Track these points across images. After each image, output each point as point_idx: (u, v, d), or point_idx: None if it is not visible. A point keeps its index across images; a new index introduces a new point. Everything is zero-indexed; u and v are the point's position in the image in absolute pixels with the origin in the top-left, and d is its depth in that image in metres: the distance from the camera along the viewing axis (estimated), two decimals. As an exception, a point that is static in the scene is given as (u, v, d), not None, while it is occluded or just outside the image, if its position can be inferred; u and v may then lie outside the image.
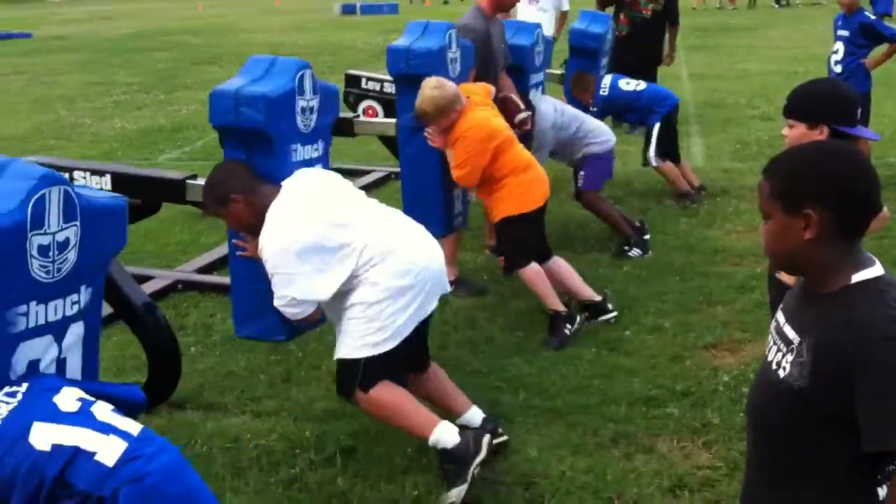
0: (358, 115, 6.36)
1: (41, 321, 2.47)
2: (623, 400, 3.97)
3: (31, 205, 2.36)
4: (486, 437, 3.33)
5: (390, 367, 3.33)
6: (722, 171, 7.84)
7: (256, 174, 3.57)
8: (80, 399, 2.26)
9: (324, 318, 3.54)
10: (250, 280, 3.63)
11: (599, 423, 3.80)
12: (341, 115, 5.70)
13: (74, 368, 2.62)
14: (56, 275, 2.47)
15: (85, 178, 4.03)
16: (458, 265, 5.39)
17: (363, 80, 6.92)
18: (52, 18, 28.40)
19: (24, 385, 2.30)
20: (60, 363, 2.56)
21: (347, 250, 3.27)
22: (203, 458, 3.55)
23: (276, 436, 3.70)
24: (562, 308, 4.64)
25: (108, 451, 2.12)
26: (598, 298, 4.80)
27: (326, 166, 4.00)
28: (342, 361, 3.37)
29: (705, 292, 5.17)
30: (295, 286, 3.27)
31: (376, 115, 6.98)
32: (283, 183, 3.50)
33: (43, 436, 2.11)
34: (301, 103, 3.75)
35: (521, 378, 4.21)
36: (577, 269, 5.23)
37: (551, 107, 5.90)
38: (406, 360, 3.45)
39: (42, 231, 2.40)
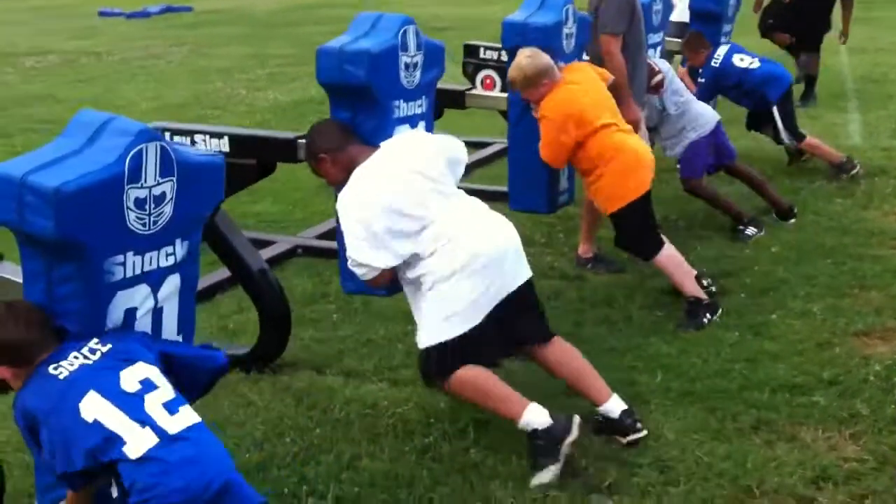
0: (471, 88, 6.28)
1: (137, 271, 2.58)
2: (766, 386, 3.84)
3: (128, 159, 2.46)
4: (577, 420, 3.28)
5: (467, 352, 3.32)
6: (881, 149, 7.43)
7: (357, 131, 3.64)
8: (143, 381, 2.37)
9: (397, 286, 3.56)
10: None
11: (740, 408, 3.69)
12: (454, 87, 5.82)
13: (170, 319, 2.73)
14: (152, 227, 2.57)
15: (205, 140, 4.13)
16: (598, 242, 5.32)
17: (481, 50, 6.84)
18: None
19: (108, 346, 2.43)
20: (157, 313, 2.68)
21: (410, 233, 3.30)
22: (341, 422, 3.65)
23: (411, 405, 3.76)
24: (702, 295, 4.49)
25: (138, 444, 2.25)
26: (704, 298, 4.52)
27: (430, 122, 4.04)
28: (423, 349, 3.41)
29: (858, 276, 4.94)
30: (356, 250, 3.32)
31: (494, 86, 6.82)
32: (381, 144, 3.53)
33: (92, 408, 2.27)
34: (405, 59, 3.79)
35: (660, 358, 4.13)
36: (721, 251, 5.11)
37: (663, 67, 5.68)
38: (502, 345, 3.46)
39: (139, 185, 2.50)
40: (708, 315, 4.45)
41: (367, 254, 3.30)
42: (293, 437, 3.56)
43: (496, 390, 3.33)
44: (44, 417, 2.32)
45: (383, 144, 3.54)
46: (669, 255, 4.51)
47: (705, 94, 6.40)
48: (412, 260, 3.33)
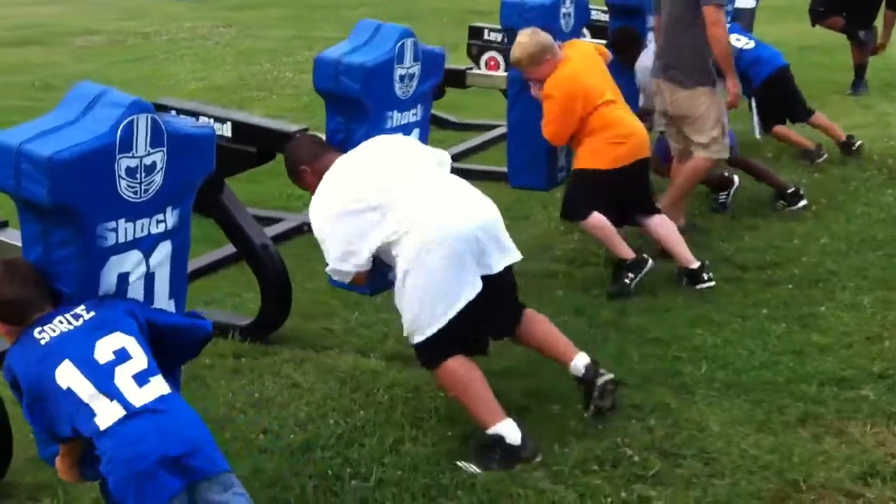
0: (471, 67, 6.32)
1: (129, 238, 2.70)
2: (814, 379, 3.79)
3: (119, 129, 2.57)
4: (539, 453, 3.26)
5: (451, 341, 3.30)
6: (934, 140, 7.29)
7: (351, 137, 3.77)
8: (118, 352, 2.46)
9: (382, 284, 3.65)
10: None
11: (787, 401, 3.64)
12: (454, 66, 5.90)
13: (162, 285, 2.84)
14: (143, 195, 2.68)
15: (210, 123, 4.19)
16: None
17: (485, 32, 6.85)
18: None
19: (91, 314, 2.54)
20: (149, 279, 2.79)
21: (377, 223, 3.27)
22: (384, 405, 3.66)
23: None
24: (629, 254, 4.59)
25: (106, 415, 2.38)
26: (695, 266, 4.69)
27: (425, 129, 4.15)
28: (413, 342, 3.40)
29: (911, 269, 4.85)
30: (329, 253, 3.36)
31: (498, 67, 6.86)
32: (349, 153, 3.56)
33: (66, 376, 2.41)
34: (400, 71, 3.91)
35: (705, 349, 4.09)
36: (768, 241, 5.04)
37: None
38: (488, 324, 3.45)
39: (130, 154, 2.61)
40: (630, 275, 4.58)
41: (338, 260, 3.35)
42: (337, 419, 3.58)
43: (478, 390, 3.32)
44: (23, 379, 2.46)
45: (351, 152, 3.57)
46: (597, 221, 4.61)
47: None
48: (385, 248, 3.30)
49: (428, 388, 3.76)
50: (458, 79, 5.78)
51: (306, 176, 3.63)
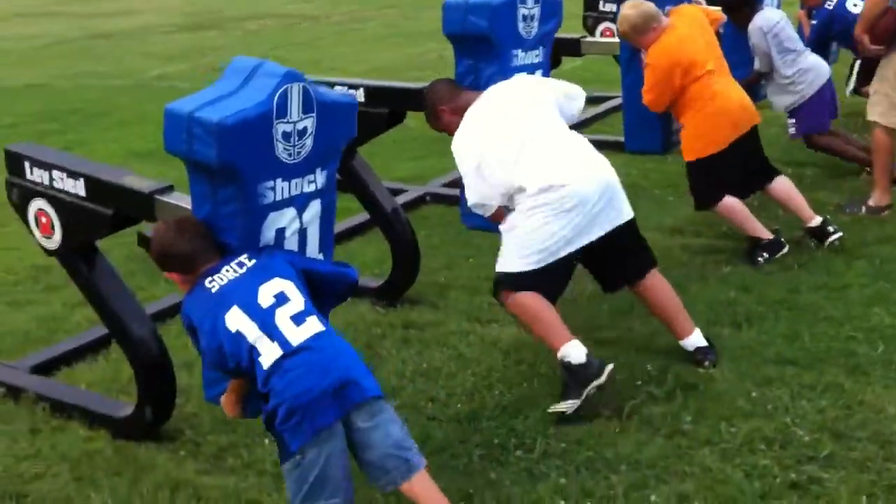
0: (585, 36, 6.35)
1: (285, 196, 2.93)
2: None
3: (276, 97, 2.79)
4: (610, 367, 3.44)
5: (537, 283, 3.53)
6: None
7: (478, 78, 4.01)
8: (278, 295, 2.69)
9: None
10: None
11: (972, 385, 3.47)
12: (570, 35, 6.00)
13: (313, 239, 3.09)
14: (296, 157, 2.91)
15: (344, 90, 4.34)
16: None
17: (601, 3, 7.01)
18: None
19: (253, 262, 2.78)
20: (302, 233, 3.03)
21: (513, 170, 3.49)
22: (547, 378, 3.72)
23: (617, 366, 3.76)
24: (766, 235, 4.65)
25: (268, 355, 2.62)
26: (817, 222, 4.76)
27: (546, 71, 4.38)
28: (497, 273, 3.63)
29: None
30: (470, 190, 3.62)
31: (614, 37, 6.71)
32: (487, 90, 3.75)
33: (235, 321, 2.66)
34: (523, 11, 4.23)
35: (882, 330, 3.93)
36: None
37: (776, 15, 5.60)
38: (608, 272, 3.77)
39: (285, 120, 2.83)
40: (764, 254, 4.63)
41: (479, 193, 3.59)
42: (502, 390, 3.67)
43: (547, 318, 3.54)
44: (199, 325, 2.73)
45: (492, 87, 3.77)
46: (728, 204, 4.66)
47: (815, 39, 6.19)
48: (516, 191, 3.52)
49: (591, 363, 3.79)
50: (573, 47, 5.93)
51: (445, 115, 3.84)
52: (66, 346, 4.25)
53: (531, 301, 3.54)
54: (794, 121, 5.64)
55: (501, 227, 3.63)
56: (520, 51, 4.21)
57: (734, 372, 3.64)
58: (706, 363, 3.70)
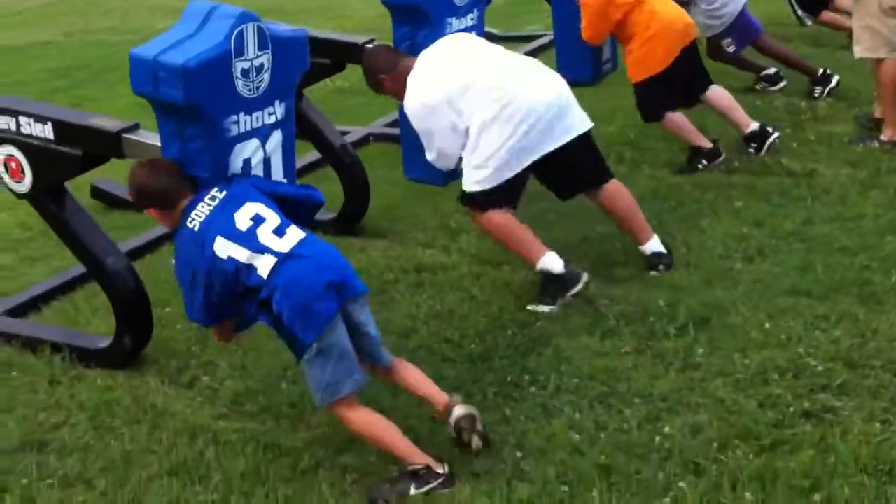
0: None
1: (248, 128, 3.15)
2: None
3: (233, 37, 3.00)
4: (585, 276, 3.74)
5: (502, 198, 3.75)
6: None
7: (416, 44, 4.09)
8: (253, 217, 2.91)
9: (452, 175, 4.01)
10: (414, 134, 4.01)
11: None
12: None
13: (277, 166, 3.31)
14: (256, 92, 3.13)
15: None
16: None
17: None
18: None
19: (223, 193, 2.98)
20: (266, 162, 3.26)
21: (469, 103, 3.67)
22: (560, 317, 3.73)
23: (629, 302, 3.77)
24: (706, 144, 5.01)
25: (264, 266, 2.84)
26: (755, 127, 5.09)
27: (480, 31, 4.48)
28: (463, 190, 3.85)
29: None
30: (430, 145, 3.81)
31: None
32: (421, 54, 3.92)
33: (223, 249, 2.86)
34: None
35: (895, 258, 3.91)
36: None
37: None
38: (564, 183, 3.98)
39: (243, 58, 3.05)
40: (703, 162, 4.99)
41: (439, 148, 3.80)
42: (514, 330, 3.68)
43: (521, 234, 3.79)
44: (192, 262, 2.94)
45: (424, 51, 3.93)
46: (672, 117, 5.00)
47: None
48: (470, 126, 3.70)
49: (605, 302, 3.80)
50: None
51: (385, 82, 3.99)
52: (36, 291, 4.39)
53: (503, 220, 3.77)
54: (729, 40, 5.92)
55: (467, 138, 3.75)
56: (453, 18, 4.33)
57: (747, 305, 3.64)
58: (660, 267, 3.99)
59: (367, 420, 2.91)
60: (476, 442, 2.90)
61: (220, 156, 3.09)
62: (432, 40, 4.08)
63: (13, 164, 3.63)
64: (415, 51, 4.08)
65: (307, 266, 2.86)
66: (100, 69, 9.32)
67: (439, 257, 4.41)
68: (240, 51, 3.03)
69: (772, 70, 6.20)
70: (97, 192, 5.38)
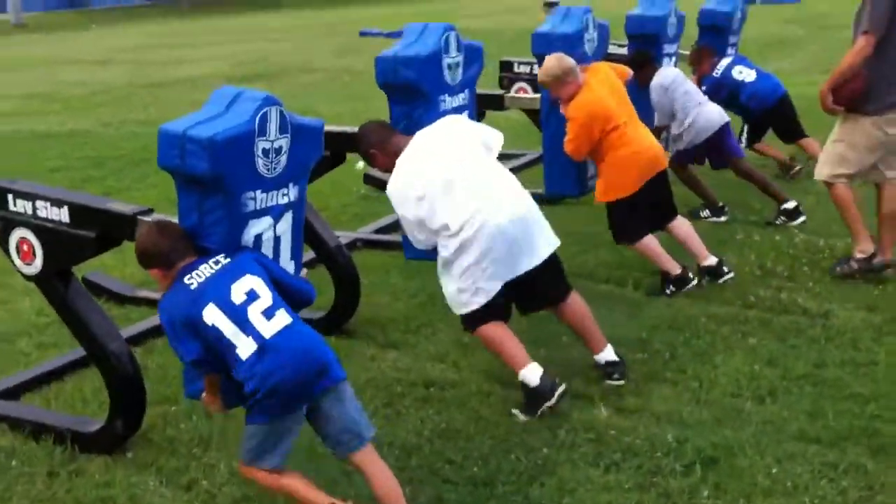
0: (507, 92, 7.01)
1: (263, 206, 3.32)
2: None
3: (257, 118, 3.18)
4: (561, 389, 3.90)
5: (489, 314, 3.96)
6: None
7: (411, 120, 4.32)
8: (248, 293, 3.03)
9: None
10: None
11: None
12: (493, 92, 6.64)
13: (286, 247, 3.47)
14: (273, 172, 3.30)
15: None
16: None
17: (515, 65, 7.53)
18: (465, 12, 30.26)
19: (227, 260, 3.12)
20: (276, 240, 3.42)
21: (446, 210, 3.83)
22: (566, 445, 3.70)
23: (638, 435, 3.74)
24: (676, 270, 5.14)
25: (245, 348, 2.95)
26: (713, 262, 5.26)
27: (472, 111, 4.78)
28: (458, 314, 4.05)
29: None
30: (408, 231, 4.01)
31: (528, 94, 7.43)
32: (416, 134, 4.08)
33: (211, 316, 2.98)
34: (447, 60, 4.63)
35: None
36: None
37: (673, 73, 6.36)
38: (529, 299, 4.14)
39: (265, 138, 3.22)
40: (672, 288, 5.14)
41: (414, 234, 3.97)
42: (518, 456, 3.65)
43: (509, 346, 4.00)
44: (177, 320, 3.03)
45: (419, 132, 4.10)
46: (644, 241, 5.15)
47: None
48: (443, 230, 3.87)
49: (612, 433, 3.76)
50: (496, 102, 6.41)
51: (377, 157, 4.18)
52: (26, 375, 4.47)
53: (493, 333, 4.00)
54: (679, 153, 6.40)
55: (439, 261, 3.98)
56: (446, 96, 4.61)
57: (755, 447, 3.59)
58: (615, 376, 4.18)
59: (279, 481, 3.09)
60: None
61: (234, 228, 3.26)
62: (428, 117, 4.31)
63: (25, 247, 3.78)
64: (411, 129, 4.25)
65: (285, 357, 2.96)
66: (134, 160, 9.54)
67: (449, 373, 4.41)
68: (262, 131, 3.22)
69: (791, 204, 6.31)
70: (87, 283, 5.52)
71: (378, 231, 6.70)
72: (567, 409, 3.98)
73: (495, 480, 3.49)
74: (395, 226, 6.16)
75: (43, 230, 3.70)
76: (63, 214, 3.66)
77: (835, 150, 5.25)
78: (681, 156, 6.42)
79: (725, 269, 5.27)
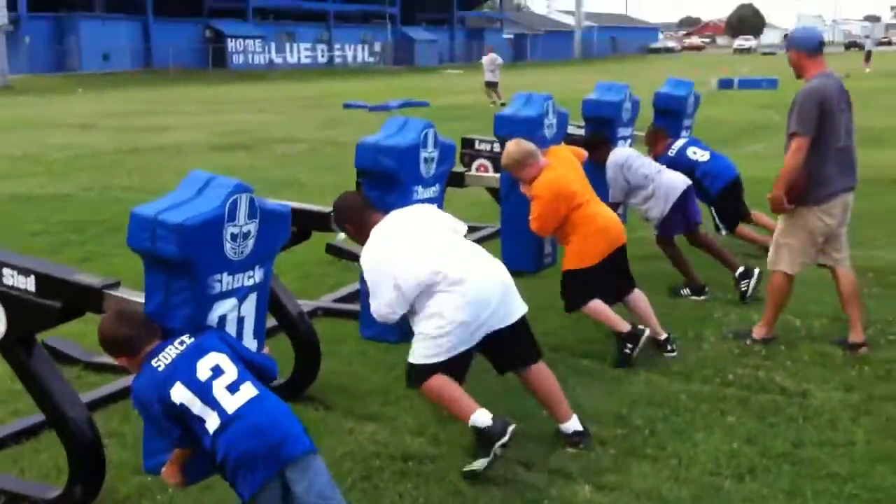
0: (469, 170, 7.38)
1: (229, 287, 3.41)
2: None
3: (227, 204, 3.29)
4: (512, 427, 3.97)
5: (444, 369, 4.07)
6: None
7: (383, 207, 4.46)
8: (213, 368, 3.13)
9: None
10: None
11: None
12: (455, 169, 6.55)
13: (249, 327, 3.56)
14: (240, 255, 3.40)
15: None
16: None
17: (476, 142, 7.85)
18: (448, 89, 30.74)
19: (191, 339, 3.21)
20: (240, 320, 3.52)
21: (421, 277, 3.99)
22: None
23: (616, 512, 3.73)
24: (626, 328, 5.29)
25: (211, 423, 3.06)
26: (663, 337, 5.48)
27: (440, 205, 4.96)
28: (408, 363, 4.19)
29: None
30: (377, 298, 4.11)
31: (488, 172, 7.70)
32: (391, 212, 4.32)
33: (179, 394, 3.09)
34: (424, 154, 4.88)
35: (887, 489, 3.86)
36: None
37: (627, 151, 6.77)
38: (500, 360, 4.32)
39: (234, 223, 3.34)
40: (629, 346, 5.27)
41: (385, 303, 4.07)
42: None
43: (455, 396, 4.10)
44: (149, 402, 3.14)
45: (393, 212, 4.34)
46: (594, 305, 5.37)
47: None
48: (419, 297, 4.03)
49: (590, 508, 3.74)
50: (457, 180, 6.62)
51: (350, 232, 4.45)
52: None
53: (437, 384, 4.09)
54: (660, 227, 6.67)
55: (411, 320, 4.14)
56: (420, 187, 4.88)
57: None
58: (581, 445, 4.29)
59: None
60: None
61: (200, 309, 3.34)
62: (401, 204, 4.53)
63: None
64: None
65: (249, 430, 3.04)
66: (115, 226, 9.54)
67: (428, 447, 4.37)
68: (232, 216, 3.33)
69: (741, 269, 6.59)
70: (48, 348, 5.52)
71: (340, 300, 6.82)
72: (545, 485, 3.97)
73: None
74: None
75: (8, 298, 3.74)
76: (29, 283, 3.71)
77: (783, 243, 5.55)
78: (664, 229, 6.64)
79: (670, 347, 5.50)
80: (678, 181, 6.59)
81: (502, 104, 22.87)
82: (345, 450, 4.31)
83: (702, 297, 6.60)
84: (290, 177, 12.67)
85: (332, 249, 7.58)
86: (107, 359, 5.28)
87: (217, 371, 3.13)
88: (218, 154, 15.75)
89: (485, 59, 26.68)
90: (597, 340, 5.68)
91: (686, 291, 6.66)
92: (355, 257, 7.84)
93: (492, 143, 7.55)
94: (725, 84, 26.78)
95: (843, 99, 5.33)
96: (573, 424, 4.33)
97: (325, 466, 3.16)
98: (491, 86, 26.10)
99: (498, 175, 6.39)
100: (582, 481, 4.00)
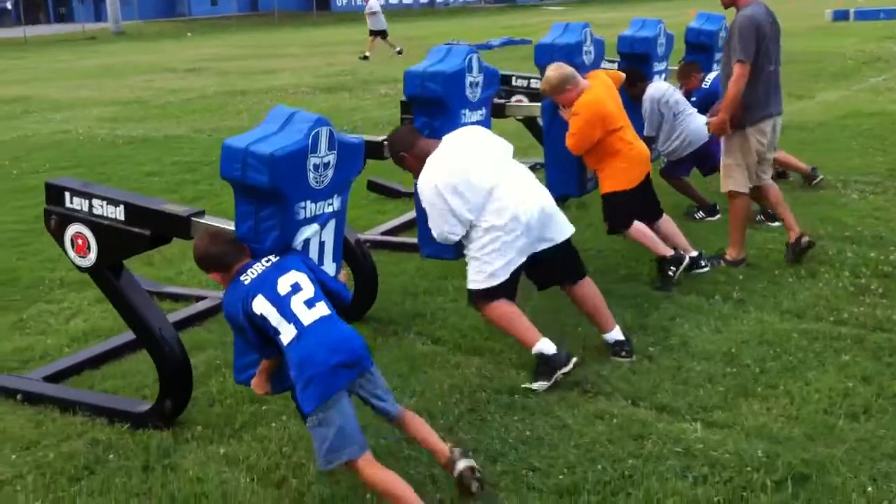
0: (510, 100, 7.39)
1: (312, 214, 3.62)
2: None
3: (310, 137, 3.49)
4: (575, 358, 4.28)
5: (500, 292, 4.34)
6: None
7: (433, 132, 4.72)
8: (293, 285, 3.35)
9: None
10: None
11: None
12: (495, 101, 6.64)
13: (329, 250, 3.79)
14: (322, 184, 3.60)
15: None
16: None
17: (513, 79, 7.83)
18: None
19: (276, 258, 3.46)
20: (322, 244, 3.74)
21: (473, 203, 4.23)
22: (652, 457, 3.66)
23: (726, 450, 3.68)
24: (668, 252, 5.51)
25: (288, 335, 3.29)
26: (695, 254, 5.70)
27: (487, 126, 5.08)
28: (469, 289, 4.44)
29: None
30: (434, 224, 4.32)
31: None
32: (444, 137, 4.49)
33: (260, 306, 3.33)
34: (469, 79, 5.09)
35: None
36: None
37: (664, 86, 6.77)
38: (545, 278, 4.62)
39: (316, 154, 3.53)
40: (672, 268, 5.49)
41: (442, 226, 4.30)
42: (604, 465, 3.62)
43: (520, 322, 4.37)
44: (236, 313, 3.38)
45: (446, 137, 4.50)
46: (637, 227, 5.59)
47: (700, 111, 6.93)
48: (473, 218, 4.27)
49: (700, 447, 3.71)
50: (499, 111, 6.65)
51: (406, 160, 4.57)
52: (68, 362, 4.85)
53: (504, 310, 4.37)
54: (669, 164, 6.94)
55: (465, 245, 4.39)
56: (467, 110, 5.03)
57: (849, 465, 3.50)
58: (622, 353, 4.54)
59: (377, 477, 3.26)
60: (475, 485, 3.33)
61: (286, 234, 3.54)
62: (449, 128, 4.66)
63: (80, 241, 4.11)
64: (433, 138, 4.62)
65: (318, 346, 3.26)
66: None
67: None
68: (314, 148, 3.53)
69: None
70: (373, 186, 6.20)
71: (386, 233, 7.12)
72: (652, 420, 3.95)
73: (580, 489, 3.47)
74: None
75: (98, 226, 4.03)
76: (119, 213, 4.00)
77: (731, 164, 5.85)
78: (672, 167, 6.93)
79: (703, 262, 5.75)
80: (703, 132, 6.53)
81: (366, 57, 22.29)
82: (452, 382, 4.37)
83: (715, 217, 6.85)
84: (393, 117, 12.71)
85: (374, 186, 7.72)
86: (172, 289, 5.84)
87: (296, 287, 3.35)
88: (323, 95, 15.92)
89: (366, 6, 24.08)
90: (705, 279, 5.58)
91: (700, 214, 6.96)
92: (399, 193, 8.03)
93: (528, 78, 7.62)
94: (840, 15, 25.50)
95: (774, 27, 5.66)
96: (615, 334, 4.57)
97: (380, 375, 3.46)
98: (377, 34, 23.68)
99: (539, 104, 6.49)
100: (690, 418, 3.97)
